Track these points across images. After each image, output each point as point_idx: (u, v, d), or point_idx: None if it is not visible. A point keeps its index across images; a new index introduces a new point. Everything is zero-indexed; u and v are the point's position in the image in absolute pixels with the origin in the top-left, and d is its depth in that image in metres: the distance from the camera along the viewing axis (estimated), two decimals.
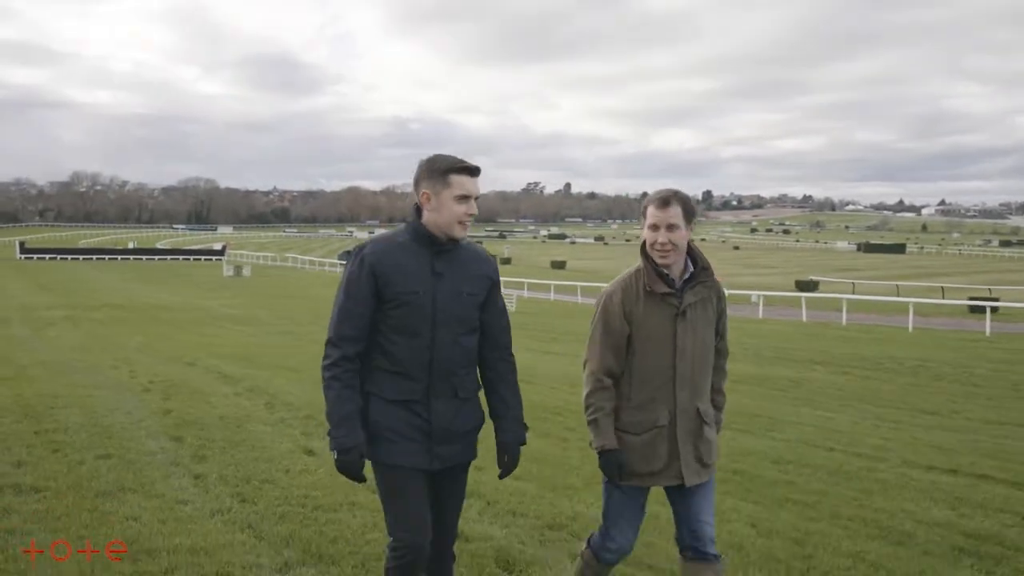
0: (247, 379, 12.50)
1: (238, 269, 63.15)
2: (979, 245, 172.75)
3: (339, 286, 3.41)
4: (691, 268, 3.66)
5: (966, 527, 5.80)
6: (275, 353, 17.25)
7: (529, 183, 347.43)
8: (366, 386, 3.40)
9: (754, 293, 44.02)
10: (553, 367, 16.13)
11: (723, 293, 3.78)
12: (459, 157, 3.42)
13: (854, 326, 30.70)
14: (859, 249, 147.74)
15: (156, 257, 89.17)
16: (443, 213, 3.37)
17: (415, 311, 3.35)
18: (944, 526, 5.82)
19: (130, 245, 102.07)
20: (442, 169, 3.37)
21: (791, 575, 4.82)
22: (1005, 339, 25.76)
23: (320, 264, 74.74)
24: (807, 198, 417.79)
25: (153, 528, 5.24)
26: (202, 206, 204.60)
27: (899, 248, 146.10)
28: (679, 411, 3.61)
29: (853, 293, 50.14)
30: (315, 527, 5.35)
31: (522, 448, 3.63)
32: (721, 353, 3.82)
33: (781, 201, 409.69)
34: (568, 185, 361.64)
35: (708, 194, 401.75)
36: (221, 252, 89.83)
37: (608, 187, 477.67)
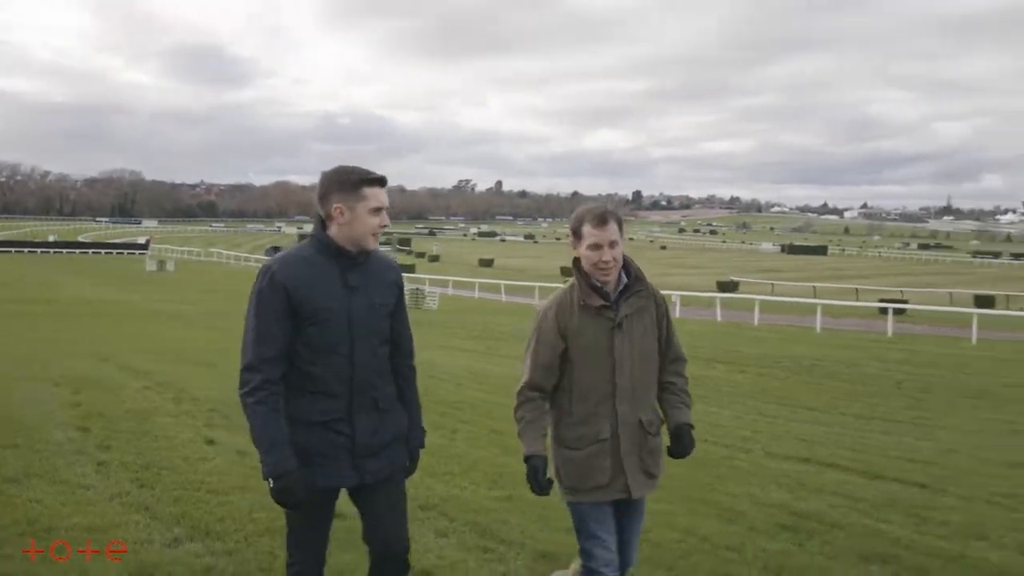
0: (159, 374, 12.86)
1: (161, 264, 62.48)
2: (898, 248, 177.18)
3: (249, 307, 3.28)
4: (624, 279, 3.67)
5: (796, 507, 6.50)
6: (192, 348, 17.52)
7: (460, 180, 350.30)
8: (285, 411, 3.28)
9: (674, 293, 45.21)
10: (462, 363, 16.63)
11: (662, 299, 3.80)
12: (365, 168, 3.36)
13: (765, 326, 31.69)
14: (783, 250, 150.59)
15: (77, 250, 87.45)
16: (357, 227, 3.31)
17: (331, 328, 3.28)
18: (777, 506, 6.52)
19: (50, 238, 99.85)
20: (354, 181, 3.30)
21: None
22: (906, 340, 26.88)
23: (246, 259, 74.23)
24: (734, 199, 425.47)
25: (54, 510, 5.70)
26: (126, 199, 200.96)
27: (821, 250, 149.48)
28: (621, 424, 3.61)
29: (772, 294, 51.52)
30: (206, 508, 5.87)
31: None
32: (677, 360, 3.85)
33: (709, 202, 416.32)
34: (499, 183, 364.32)
35: (638, 194, 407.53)
36: (145, 246, 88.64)
37: (540, 185, 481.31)
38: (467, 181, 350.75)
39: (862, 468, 8.03)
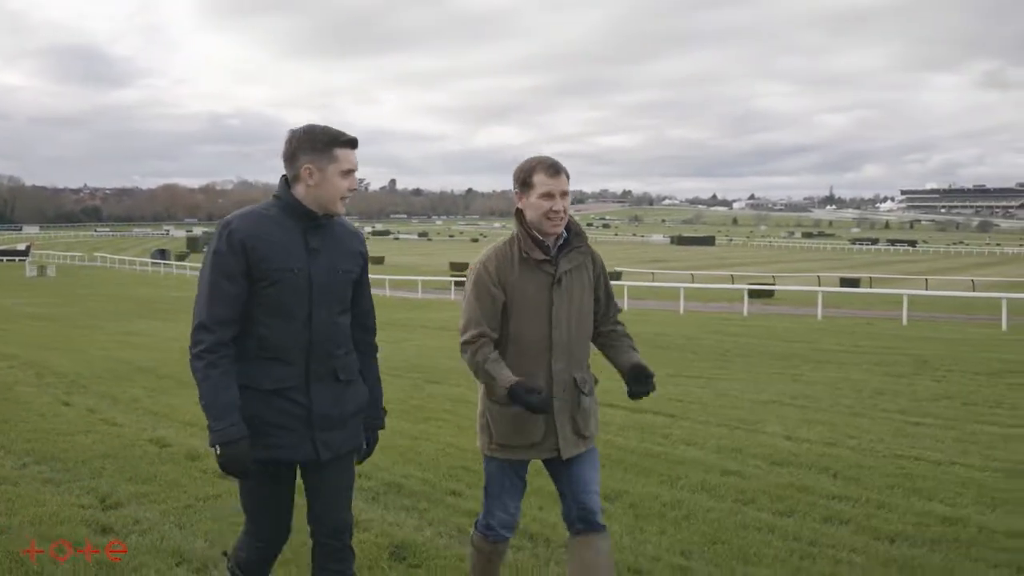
0: (24, 356, 13.94)
1: (42, 269, 61.18)
2: (783, 237, 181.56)
3: (203, 265, 3.14)
4: (564, 235, 3.61)
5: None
6: (63, 340, 18.29)
7: None
8: (237, 378, 3.10)
9: None
10: None
11: (599, 257, 3.76)
12: (337, 128, 3.23)
13: (634, 310, 33.35)
14: (672, 242, 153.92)
15: None
16: (326, 188, 3.17)
17: (290, 289, 3.13)
18: None
19: None
20: (325, 142, 3.17)
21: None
22: (758, 318, 28.87)
23: (131, 263, 73.38)
24: (627, 193, 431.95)
25: None
26: (5, 205, 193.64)
27: (709, 240, 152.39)
28: (555, 382, 3.54)
29: (652, 282, 53.59)
30: (53, 444, 7.15)
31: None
32: (611, 315, 3.78)
33: (602, 196, 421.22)
34: (393, 181, 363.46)
35: None
36: (25, 253, 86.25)
37: (434, 183, 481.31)
38: (360, 180, 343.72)
39: (633, 406, 9.53)
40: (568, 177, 3.55)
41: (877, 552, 4.80)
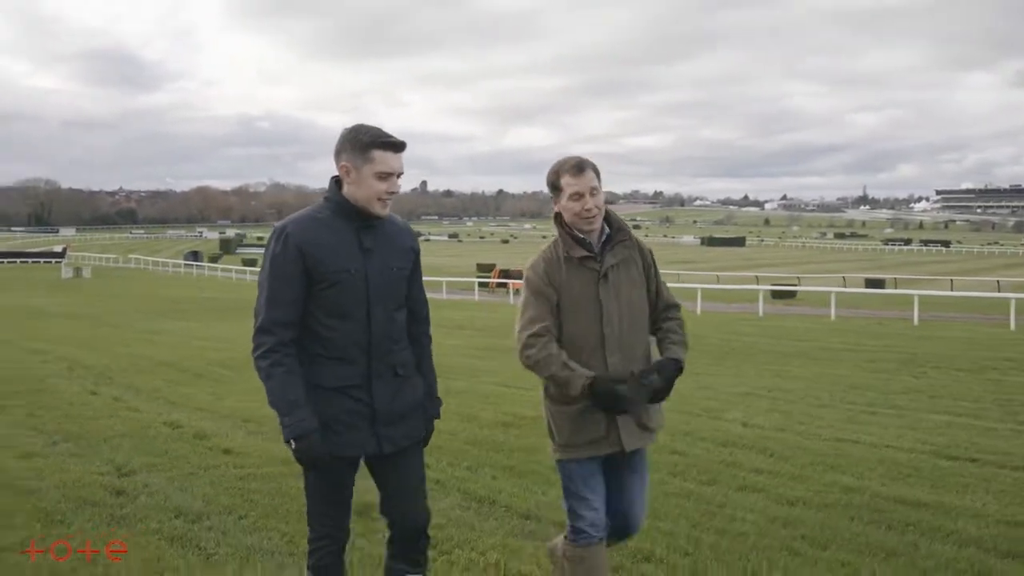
0: (56, 351, 15.11)
1: (77, 271, 62.25)
2: (815, 237, 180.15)
3: (262, 269, 3.28)
4: (607, 230, 3.64)
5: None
6: (92, 337, 19.37)
7: None
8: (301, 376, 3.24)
9: None
10: None
11: (648, 250, 3.77)
12: (383, 130, 3.28)
13: None
14: (702, 243, 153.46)
15: None
16: (362, 188, 3.23)
17: (348, 290, 3.23)
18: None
19: None
20: (364, 143, 3.22)
21: None
22: (773, 318, 29.09)
23: (164, 265, 74.79)
24: (658, 194, 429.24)
25: None
26: (43, 208, 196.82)
27: (739, 241, 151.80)
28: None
29: (678, 282, 53.82)
30: (80, 426, 8.21)
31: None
32: (669, 307, 3.76)
33: (633, 197, 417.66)
34: (424, 183, 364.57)
35: None
36: (61, 255, 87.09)
37: (464, 185, 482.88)
38: None
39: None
40: (596, 173, 3.57)
41: (770, 511, 5.52)
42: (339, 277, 3.20)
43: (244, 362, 13.16)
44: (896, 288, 45.84)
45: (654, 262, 3.75)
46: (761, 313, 31.29)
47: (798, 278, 52.21)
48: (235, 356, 14.30)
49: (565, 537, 3.68)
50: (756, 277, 52.22)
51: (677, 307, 3.79)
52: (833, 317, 28.39)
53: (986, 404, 10.14)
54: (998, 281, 47.52)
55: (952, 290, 38.64)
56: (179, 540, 4.94)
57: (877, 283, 49.99)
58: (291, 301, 3.19)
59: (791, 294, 40.06)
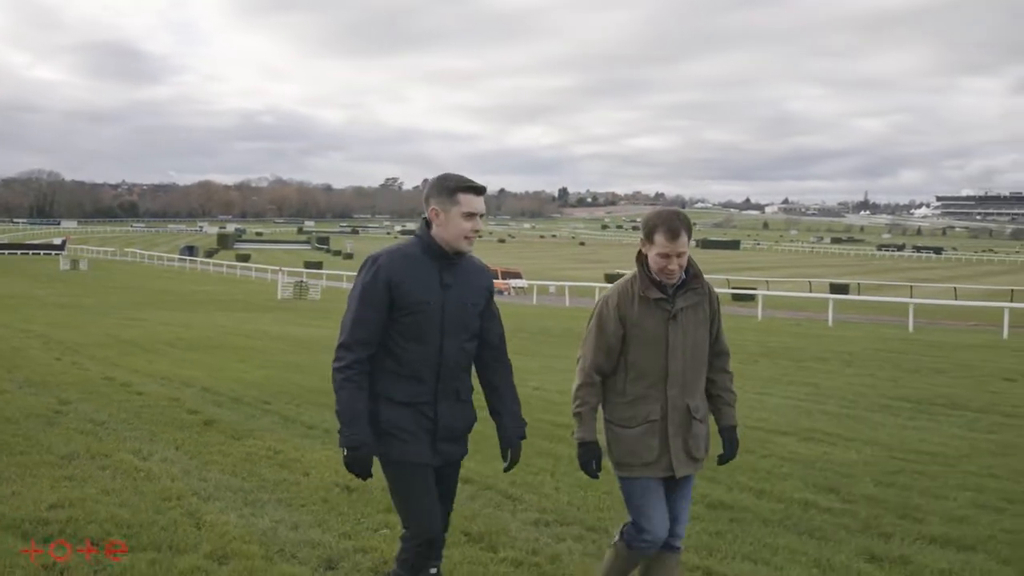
0: (38, 331, 18.08)
1: (75, 263, 63.14)
2: (812, 242, 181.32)
3: (352, 290, 3.60)
4: (683, 276, 3.85)
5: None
6: (74, 322, 21.87)
7: (387, 179, 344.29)
8: (376, 388, 3.56)
9: (552, 284, 48.39)
10: (328, 334, 21.34)
11: (716, 297, 4.00)
12: (466, 177, 3.61)
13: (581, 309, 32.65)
14: (698, 245, 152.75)
15: None
16: (450, 229, 3.56)
17: (426, 319, 3.54)
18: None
19: None
20: (451, 188, 3.57)
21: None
22: (737, 319, 29.28)
23: (159, 259, 76.08)
24: (659, 196, 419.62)
25: None
26: (45, 199, 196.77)
27: (734, 244, 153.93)
28: (670, 407, 3.81)
29: None
30: (41, 377, 11.01)
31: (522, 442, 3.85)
32: (721, 354, 4.04)
33: (635, 198, 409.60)
34: (426, 181, 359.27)
35: (564, 191, 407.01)
36: (61, 247, 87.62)
37: None
38: (394, 179, 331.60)
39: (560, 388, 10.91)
40: (689, 234, 3.78)
41: None
42: (419, 307, 3.54)
43: (190, 341, 16.13)
44: (859, 294, 47.51)
45: (719, 308, 4.03)
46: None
47: (767, 282, 53.04)
48: (184, 337, 17.49)
49: (622, 533, 4.00)
50: (727, 280, 53.12)
51: (728, 355, 4.09)
52: (759, 318, 30.07)
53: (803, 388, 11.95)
54: (955, 288, 48.66)
55: (911, 296, 38.78)
56: (90, 434, 7.68)
57: (841, 288, 51.63)
58: (372, 324, 3.53)
59: (750, 297, 41.23)
